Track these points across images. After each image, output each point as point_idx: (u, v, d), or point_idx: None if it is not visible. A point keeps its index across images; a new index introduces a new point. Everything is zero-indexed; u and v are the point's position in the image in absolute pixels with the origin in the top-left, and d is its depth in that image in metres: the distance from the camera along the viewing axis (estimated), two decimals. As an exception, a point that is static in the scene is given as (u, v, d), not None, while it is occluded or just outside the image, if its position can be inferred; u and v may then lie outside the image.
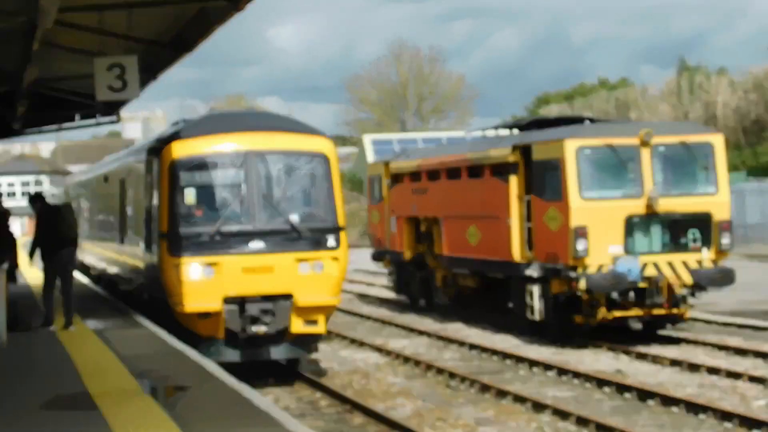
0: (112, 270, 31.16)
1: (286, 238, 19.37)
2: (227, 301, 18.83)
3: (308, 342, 20.00)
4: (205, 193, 18.97)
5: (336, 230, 19.91)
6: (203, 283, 18.43)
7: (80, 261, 40.95)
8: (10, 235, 26.34)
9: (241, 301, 18.97)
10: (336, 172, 20.68)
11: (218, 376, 16.91)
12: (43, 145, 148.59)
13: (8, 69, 22.39)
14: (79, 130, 33.86)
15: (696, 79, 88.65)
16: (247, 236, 19.12)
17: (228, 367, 18.49)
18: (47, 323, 23.89)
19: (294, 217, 18.92)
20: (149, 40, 21.90)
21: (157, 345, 20.93)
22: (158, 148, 19.83)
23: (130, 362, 18.50)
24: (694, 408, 19.56)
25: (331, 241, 19.18)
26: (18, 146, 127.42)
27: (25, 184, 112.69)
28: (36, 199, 25.54)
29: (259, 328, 18.59)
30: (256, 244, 18.86)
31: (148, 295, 23.49)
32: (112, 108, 28.17)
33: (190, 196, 18.70)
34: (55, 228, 24.31)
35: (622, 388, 21.76)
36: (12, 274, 25.83)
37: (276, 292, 19.16)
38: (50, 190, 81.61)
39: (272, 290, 19.17)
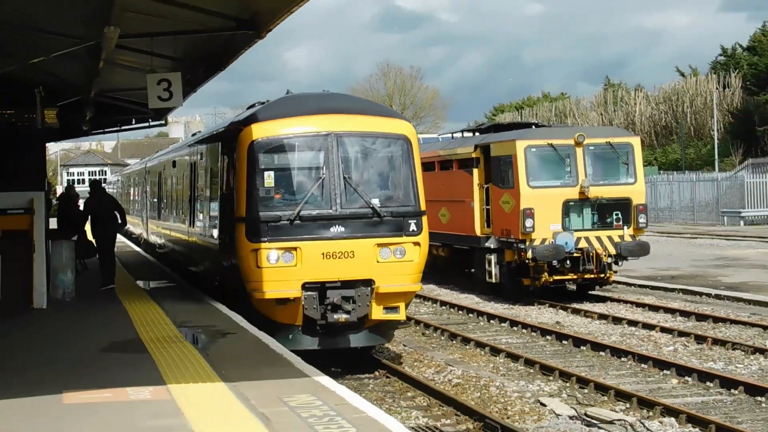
0: (181, 251, 28.56)
1: (367, 223, 16.45)
2: (306, 287, 16.18)
3: (387, 329, 17.59)
4: (284, 176, 16.87)
5: (418, 215, 16.99)
6: (282, 268, 16.07)
7: (145, 239, 40.28)
8: (80, 214, 26.06)
9: (320, 288, 16.30)
10: (417, 156, 17.46)
11: (244, 326, 17.11)
12: (106, 142, 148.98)
13: (79, 82, 22.78)
14: (134, 131, 34.16)
15: (618, 93, 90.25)
16: (327, 221, 16.35)
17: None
18: (106, 283, 23.79)
19: (375, 201, 16.52)
20: (190, 60, 22.00)
21: (196, 301, 21.40)
22: (236, 130, 17.49)
23: (174, 315, 18.74)
24: (617, 352, 20.17)
25: (412, 226, 16.77)
26: (86, 144, 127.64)
27: (91, 174, 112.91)
28: (94, 187, 25.80)
29: (340, 316, 16.27)
30: (337, 229, 16.30)
31: (220, 279, 21.14)
32: (161, 114, 28.09)
33: (269, 179, 16.37)
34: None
35: (560, 337, 22.33)
36: (85, 247, 25.45)
37: (356, 278, 16.33)
38: (111, 178, 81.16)
39: (353, 276, 16.33)
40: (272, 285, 16.11)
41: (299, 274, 16.21)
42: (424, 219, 17.30)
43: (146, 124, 33.08)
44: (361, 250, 16.30)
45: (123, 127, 33.04)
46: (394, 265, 16.53)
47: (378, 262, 16.48)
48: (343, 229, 16.31)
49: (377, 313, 16.36)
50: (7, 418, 10.72)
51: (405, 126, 17.49)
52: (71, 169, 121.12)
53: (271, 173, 16.37)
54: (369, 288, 16.42)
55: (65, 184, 26.29)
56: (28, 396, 11.80)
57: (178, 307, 20.37)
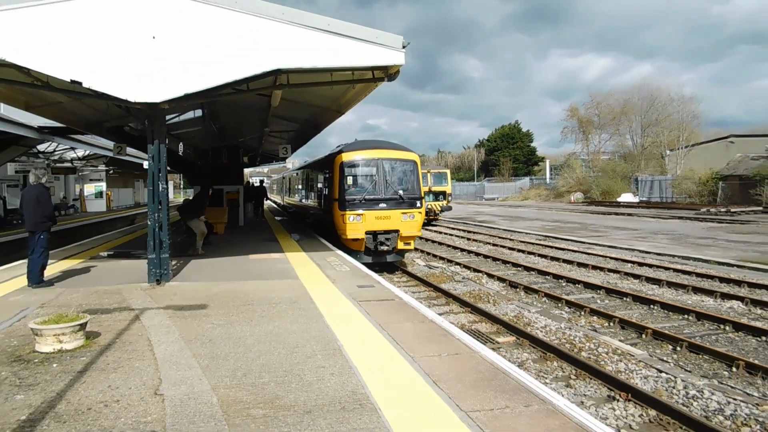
0: (297, 209, 26.82)
1: (396, 202, 15.04)
2: (367, 233, 14.78)
3: (403, 253, 16.08)
4: (357, 179, 15.46)
5: (420, 198, 15.41)
6: (355, 224, 14.74)
7: (282, 204, 39.80)
8: (262, 197, 28.33)
9: (374, 233, 14.90)
10: (420, 170, 15.82)
11: (318, 237, 17.49)
12: (264, 168, 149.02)
13: (254, 146, 23.71)
14: (274, 164, 36.29)
15: (442, 155, 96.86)
16: (378, 201, 15.00)
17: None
18: (260, 217, 25.98)
19: (400, 192, 15.29)
20: (295, 140, 22.45)
21: (299, 227, 22.08)
22: (333, 156, 15.94)
23: (288, 230, 19.67)
24: (440, 244, 21.51)
25: (418, 203, 15.33)
26: (258, 168, 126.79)
27: (260, 181, 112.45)
28: (261, 183, 28.88)
29: (384, 247, 15.10)
30: (382, 205, 14.98)
31: (315, 223, 19.02)
32: (284, 159, 28.13)
33: (350, 180, 15.32)
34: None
35: (420, 239, 23.42)
36: (259, 208, 27.34)
37: (391, 229, 14.99)
38: (267, 181, 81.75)
39: (390, 228, 14.99)
40: (351, 232, 14.55)
41: (364, 226, 14.66)
42: (423, 200, 15.52)
43: (280, 163, 35.44)
44: (394, 215, 14.88)
45: (271, 163, 34.53)
46: (409, 222, 15.03)
47: (401, 221, 14.98)
48: (385, 205, 14.86)
49: (400, 245, 15.04)
50: (231, 263, 11.61)
51: (414, 156, 15.76)
52: (252, 177, 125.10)
53: (351, 177, 15.30)
54: (397, 234, 14.89)
55: (247, 183, 29.42)
56: (237, 255, 12.66)
57: (290, 227, 21.06)
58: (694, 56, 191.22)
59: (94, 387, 4.78)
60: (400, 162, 15.51)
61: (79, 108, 13.78)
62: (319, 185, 17.86)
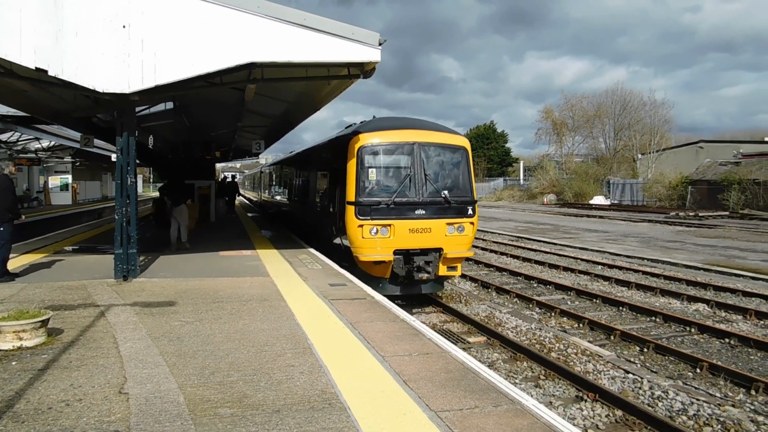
0: (274, 208, 24.49)
1: (440, 208, 10.91)
2: (396, 252, 10.67)
3: (444, 280, 11.81)
4: (382, 173, 11.00)
5: (473, 203, 11.25)
6: (379, 239, 10.64)
7: (258, 202, 36.69)
8: (234, 192, 27.58)
9: (406, 253, 10.76)
10: (472, 161, 11.52)
11: (285, 231, 17.46)
12: (238, 163, 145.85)
13: (227, 142, 23.56)
14: (247, 159, 35.97)
15: None
16: (413, 206, 10.80)
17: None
18: (231, 214, 25.40)
19: (445, 193, 10.99)
20: (268, 135, 22.30)
21: (270, 224, 21.82)
22: (346, 140, 11.42)
23: (260, 226, 19.54)
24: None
25: (470, 210, 11.18)
26: (230, 164, 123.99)
27: (232, 176, 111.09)
28: (233, 179, 27.95)
29: (423, 275, 10.76)
30: (420, 212, 10.82)
31: (319, 237, 13.79)
32: (257, 155, 28.44)
33: (372, 173, 10.95)
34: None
35: None
36: (231, 204, 26.75)
37: (431, 247, 10.86)
38: (239, 176, 79.30)
39: (429, 246, 10.85)
40: (370, 250, 10.65)
41: (392, 243, 10.66)
42: (476, 206, 11.36)
43: (252, 159, 34.78)
44: (435, 227, 10.88)
45: (244, 159, 34.38)
46: (456, 237, 11.06)
47: (446, 235, 10.97)
48: (423, 211, 10.83)
49: (443, 270, 11.07)
50: (201, 260, 11.48)
51: (464, 140, 11.59)
52: (225, 172, 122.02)
53: (374, 170, 10.99)
54: (439, 254, 10.93)
55: (220, 178, 28.13)
56: (207, 252, 12.53)
57: (261, 224, 20.95)
58: (666, 62, 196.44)
59: (56, 385, 4.66)
60: (444, 149, 11.34)
61: (44, 97, 13.44)
62: (320, 181, 13.65)
